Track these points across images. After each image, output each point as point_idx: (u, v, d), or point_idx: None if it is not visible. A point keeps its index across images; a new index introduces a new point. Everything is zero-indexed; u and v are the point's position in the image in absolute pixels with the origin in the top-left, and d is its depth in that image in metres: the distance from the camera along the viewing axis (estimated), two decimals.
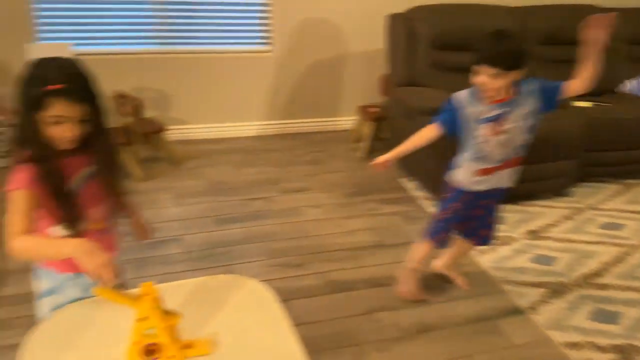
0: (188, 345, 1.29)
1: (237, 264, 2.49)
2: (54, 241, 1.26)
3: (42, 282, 1.44)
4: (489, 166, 2.05)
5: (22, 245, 1.22)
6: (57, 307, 1.39)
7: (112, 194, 1.43)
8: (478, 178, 2.08)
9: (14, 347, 1.81)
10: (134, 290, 1.27)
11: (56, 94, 1.22)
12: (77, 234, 1.32)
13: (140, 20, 3.56)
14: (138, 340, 1.24)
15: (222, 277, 1.62)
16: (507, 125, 1.97)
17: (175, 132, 3.69)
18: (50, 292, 1.43)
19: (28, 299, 2.09)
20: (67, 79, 1.24)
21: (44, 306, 1.44)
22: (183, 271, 2.41)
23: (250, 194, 3.14)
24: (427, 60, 3.40)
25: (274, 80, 3.87)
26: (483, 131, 1.98)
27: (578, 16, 3.77)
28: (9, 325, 2.03)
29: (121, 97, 3.29)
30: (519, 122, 1.97)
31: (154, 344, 1.24)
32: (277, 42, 3.78)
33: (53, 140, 1.28)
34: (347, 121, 4.13)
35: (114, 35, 3.55)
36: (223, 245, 2.64)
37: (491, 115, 1.95)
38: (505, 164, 2.06)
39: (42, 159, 1.26)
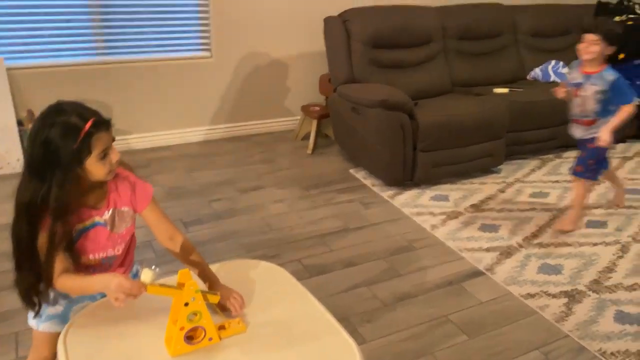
0: (221, 327, 1.38)
1: (215, 261, 2.55)
2: (85, 279, 1.31)
3: None
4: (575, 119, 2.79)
5: (61, 284, 1.29)
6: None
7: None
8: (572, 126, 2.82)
9: None
10: (170, 280, 1.35)
11: (95, 129, 1.25)
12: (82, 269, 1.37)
13: (76, 32, 3.48)
14: (183, 326, 1.31)
15: (235, 262, 1.73)
16: (582, 93, 2.67)
17: (119, 143, 3.64)
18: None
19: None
20: (89, 114, 1.26)
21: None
22: (164, 273, 2.43)
23: (209, 196, 3.20)
24: (364, 59, 3.64)
25: (216, 85, 3.94)
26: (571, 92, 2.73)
27: (488, 13, 4.25)
28: None
29: None
30: (589, 94, 2.64)
31: (194, 329, 1.32)
32: (216, 48, 3.86)
33: (102, 176, 1.31)
34: (290, 121, 4.28)
35: (49, 47, 3.45)
36: (195, 246, 2.69)
37: (575, 82, 2.70)
38: (582, 121, 2.74)
39: (62, 211, 1.28)
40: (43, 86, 3.41)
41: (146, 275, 1.24)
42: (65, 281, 1.29)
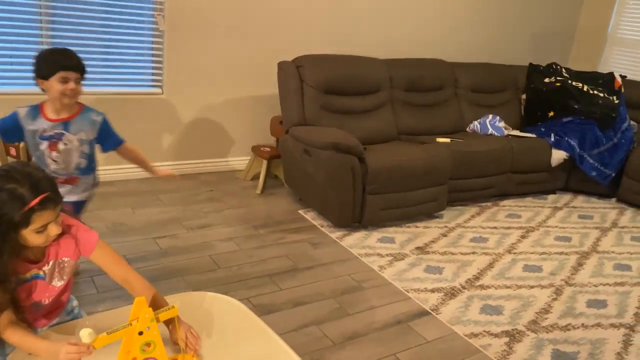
0: None
1: None
2: (34, 343, 1.29)
3: None
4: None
5: (8, 337, 1.28)
6: None
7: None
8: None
9: None
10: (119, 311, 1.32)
11: (40, 207, 1.23)
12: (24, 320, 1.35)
13: (23, 60, 3.39)
14: (135, 356, 1.28)
15: (189, 295, 1.69)
16: (63, 145, 2.12)
17: None
18: None
19: None
20: (42, 187, 1.23)
21: None
22: (105, 310, 2.33)
23: (154, 233, 3.12)
24: (316, 103, 3.75)
25: (166, 122, 3.91)
26: (44, 147, 2.11)
27: (431, 68, 4.51)
28: None
29: None
30: (74, 145, 2.14)
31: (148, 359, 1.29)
32: (168, 85, 3.85)
33: (36, 245, 1.30)
34: (238, 161, 4.29)
35: None
36: None
37: (52, 134, 2.10)
38: (64, 180, 2.20)
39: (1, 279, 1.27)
40: None
41: (84, 336, 1.21)
42: (13, 336, 1.28)
